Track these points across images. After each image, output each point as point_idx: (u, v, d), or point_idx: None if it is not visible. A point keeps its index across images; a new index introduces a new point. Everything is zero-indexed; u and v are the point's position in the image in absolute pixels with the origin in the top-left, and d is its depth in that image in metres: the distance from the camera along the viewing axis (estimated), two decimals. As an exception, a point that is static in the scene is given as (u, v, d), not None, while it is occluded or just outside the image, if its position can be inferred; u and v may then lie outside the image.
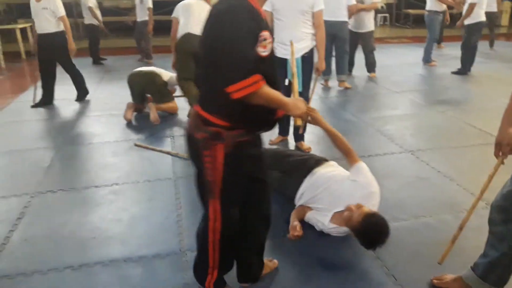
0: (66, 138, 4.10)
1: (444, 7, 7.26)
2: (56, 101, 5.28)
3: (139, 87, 4.62)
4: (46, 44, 4.94)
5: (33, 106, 5.09)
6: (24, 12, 10.40)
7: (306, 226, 2.46)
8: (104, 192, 3.00)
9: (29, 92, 5.96)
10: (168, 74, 4.70)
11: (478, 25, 6.48)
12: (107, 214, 2.71)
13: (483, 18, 6.48)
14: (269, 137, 3.85)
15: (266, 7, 3.17)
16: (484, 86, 6.02)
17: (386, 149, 3.68)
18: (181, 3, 4.24)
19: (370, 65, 6.44)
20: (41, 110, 5.05)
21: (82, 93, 5.39)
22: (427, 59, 7.37)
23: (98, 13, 7.72)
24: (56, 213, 2.73)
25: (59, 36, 4.97)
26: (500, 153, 1.79)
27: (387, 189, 2.95)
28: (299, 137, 3.71)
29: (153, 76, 4.60)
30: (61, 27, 4.96)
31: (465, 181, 3.08)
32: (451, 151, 3.67)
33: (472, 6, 6.31)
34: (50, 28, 4.89)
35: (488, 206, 2.72)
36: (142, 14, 7.65)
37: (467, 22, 6.49)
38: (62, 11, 4.89)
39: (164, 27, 10.70)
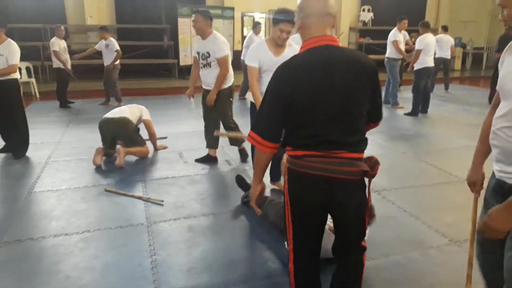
0: (33, 184, 4.01)
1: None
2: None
3: (110, 134, 4.63)
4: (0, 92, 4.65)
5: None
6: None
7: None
8: (75, 239, 2.94)
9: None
10: (137, 113, 4.79)
11: (425, 70, 7.07)
12: (78, 262, 2.65)
13: (430, 64, 7.09)
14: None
15: (253, 64, 3.38)
16: (441, 127, 6.41)
17: (354, 190, 3.82)
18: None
19: None
20: (4, 154, 4.92)
21: (22, 151, 4.93)
22: (394, 102, 7.78)
23: (67, 56, 7.75)
24: (25, 264, 2.64)
25: (11, 84, 4.67)
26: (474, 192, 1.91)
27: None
28: (276, 176, 3.82)
29: (125, 123, 4.63)
30: (15, 75, 4.70)
31: (429, 219, 3.24)
32: (414, 190, 3.86)
33: (418, 53, 6.95)
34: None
35: (452, 242, 2.88)
36: (109, 58, 7.74)
37: (415, 67, 7.07)
38: (15, 60, 4.62)
39: (130, 70, 10.89)
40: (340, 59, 1.61)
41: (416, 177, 4.21)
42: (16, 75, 4.74)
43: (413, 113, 7.13)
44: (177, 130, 6.09)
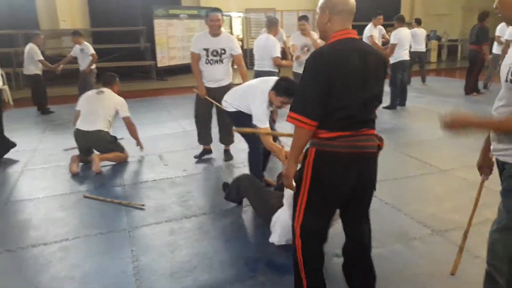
0: (9, 193, 3.89)
1: None
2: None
3: (85, 144, 4.54)
4: None
5: None
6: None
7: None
8: (53, 249, 2.86)
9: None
10: (111, 113, 4.62)
11: (401, 64, 7.15)
12: (58, 272, 2.57)
13: (405, 57, 7.19)
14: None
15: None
16: (419, 120, 6.50)
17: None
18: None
19: None
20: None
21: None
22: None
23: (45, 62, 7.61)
24: (2, 276, 2.56)
25: None
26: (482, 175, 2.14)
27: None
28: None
29: (100, 136, 4.49)
30: None
31: (411, 210, 3.27)
32: (395, 182, 3.89)
33: (392, 47, 7.03)
34: None
35: (434, 232, 2.91)
36: (85, 62, 7.58)
37: (391, 61, 7.13)
38: None
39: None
40: (367, 50, 1.87)
41: (397, 169, 4.25)
42: None
43: (392, 106, 7.21)
44: (157, 132, 6.00)
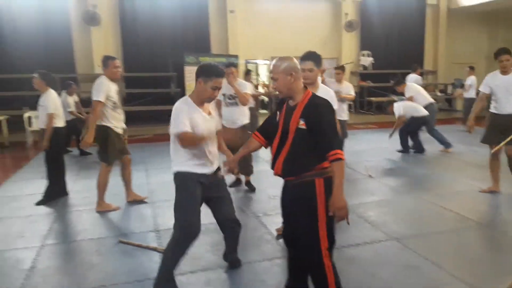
0: (47, 236, 3.95)
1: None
2: (32, 196, 5.12)
3: None
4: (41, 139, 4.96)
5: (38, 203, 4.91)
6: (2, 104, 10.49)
7: None
8: (92, 296, 2.86)
9: (3, 187, 5.83)
10: None
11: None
12: (97, 321, 2.56)
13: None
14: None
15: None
16: (451, 169, 6.38)
17: (372, 237, 3.76)
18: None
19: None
20: (17, 205, 4.89)
21: (47, 197, 5.04)
22: (449, 144, 7.58)
23: (80, 108, 8.10)
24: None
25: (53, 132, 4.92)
26: None
27: (379, 279, 2.99)
28: None
29: None
30: (56, 123, 4.93)
31: (453, 267, 3.15)
32: (434, 236, 3.78)
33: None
34: (44, 124, 4.90)
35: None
36: None
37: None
38: (49, 109, 4.87)
39: (138, 117, 11.03)
40: None
41: (434, 222, 4.14)
42: (58, 123, 4.96)
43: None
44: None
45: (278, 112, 2.52)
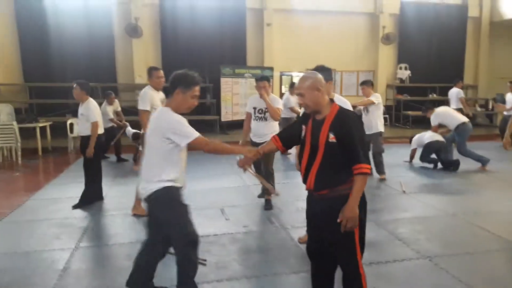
0: (81, 239, 4.11)
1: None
2: (70, 199, 5.34)
3: None
4: (83, 146, 5.19)
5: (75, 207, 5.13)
6: (44, 111, 11.05)
7: None
8: (119, 299, 2.94)
9: (44, 190, 6.10)
10: None
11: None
12: (123, 324, 2.63)
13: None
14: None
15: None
16: (489, 187, 6.12)
17: (402, 255, 3.66)
18: None
19: (378, 166, 6.60)
20: (56, 208, 5.11)
21: (83, 201, 5.22)
22: (485, 161, 7.31)
23: (121, 116, 8.56)
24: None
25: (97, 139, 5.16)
26: None
27: None
28: None
29: None
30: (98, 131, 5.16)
31: (487, 290, 3.02)
32: (468, 257, 3.64)
33: None
34: (84, 131, 5.15)
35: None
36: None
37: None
38: (93, 118, 5.07)
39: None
40: None
41: (469, 242, 3.98)
42: (98, 131, 5.16)
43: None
44: (219, 185, 6.15)
45: (303, 127, 2.54)
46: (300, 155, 2.56)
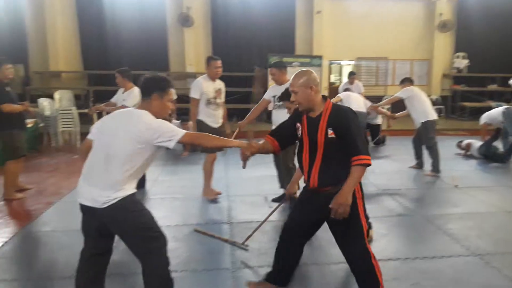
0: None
1: None
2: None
3: None
4: None
5: None
6: (100, 97, 11.61)
7: None
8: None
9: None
10: None
11: None
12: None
13: None
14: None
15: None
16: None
17: (451, 251, 3.52)
18: None
19: (432, 162, 6.23)
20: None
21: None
22: None
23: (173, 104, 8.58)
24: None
25: None
26: None
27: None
28: None
29: None
30: None
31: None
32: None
33: None
34: None
35: None
36: None
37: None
38: (130, 105, 4.97)
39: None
40: None
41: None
42: None
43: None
44: (262, 172, 6.18)
45: (298, 125, 2.56)
46: (299, 155, 2.59)
